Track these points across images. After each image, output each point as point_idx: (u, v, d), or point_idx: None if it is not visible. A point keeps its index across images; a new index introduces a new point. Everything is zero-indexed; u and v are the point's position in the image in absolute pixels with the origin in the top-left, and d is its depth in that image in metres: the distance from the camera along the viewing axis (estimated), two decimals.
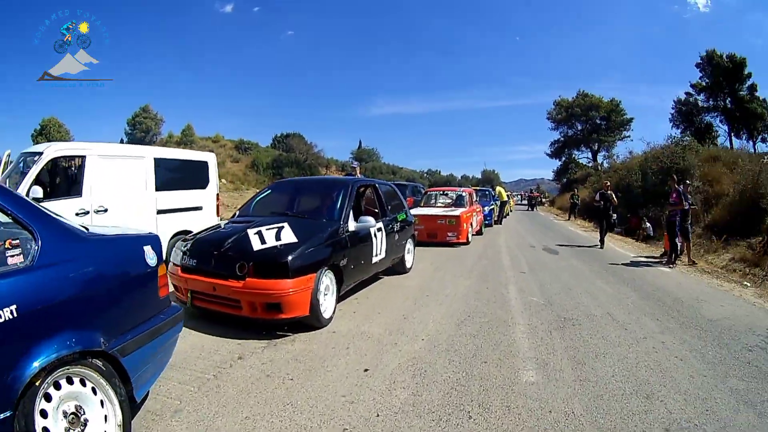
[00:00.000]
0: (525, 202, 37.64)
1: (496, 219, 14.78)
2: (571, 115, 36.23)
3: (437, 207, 10.33)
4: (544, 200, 40.59)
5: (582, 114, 35.38)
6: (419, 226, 8.43)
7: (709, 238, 10.53)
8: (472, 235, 10.14)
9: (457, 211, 9.47)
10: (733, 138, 24.01)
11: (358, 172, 8.92)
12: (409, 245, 6.12)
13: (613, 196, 10.01)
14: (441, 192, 11.44)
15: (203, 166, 6.25)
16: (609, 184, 11.26)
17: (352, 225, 4.19)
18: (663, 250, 9.10)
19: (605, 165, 28.86)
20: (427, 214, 9.49)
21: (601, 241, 9.88)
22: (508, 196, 23.36)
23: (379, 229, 4.77)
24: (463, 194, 10.66)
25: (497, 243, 10.15)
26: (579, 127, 36.67)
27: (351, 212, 4.34)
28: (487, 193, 15.48)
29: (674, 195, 7.92)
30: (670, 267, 7.46)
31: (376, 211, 5.26)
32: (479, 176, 46.73)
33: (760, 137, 22.35)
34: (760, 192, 9.90)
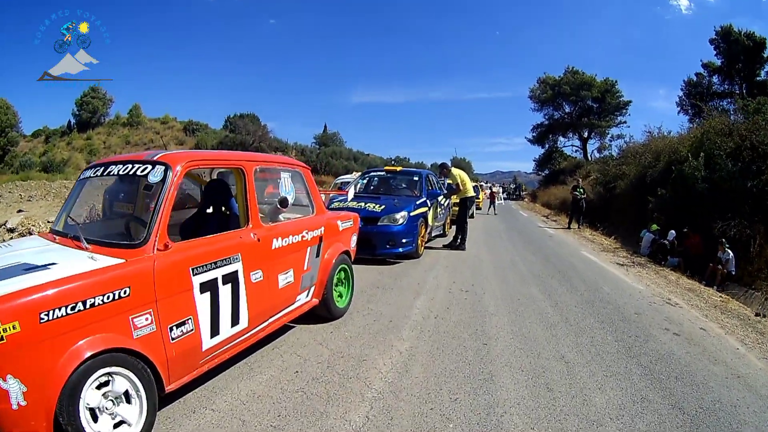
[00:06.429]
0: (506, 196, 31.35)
1: (433, 235, 7.44)
2: (559, 94, 30.73)
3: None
4: (523, 194, 35.31)
5: (571, 93, 29.88)
6: None
7: None
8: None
9: None
10: None
11: None
12: None
13: None
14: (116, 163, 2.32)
15: None
16: None
17: None
18: None
19: (613, 150, 23.10)
20: None
21: None
22: (476, 188, 15.23)
23: None
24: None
25: None
26: (567, 110, 31.28)
27: None
28: (415, 180, 7.13)
29: None
30: None
31: None
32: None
33: None
34: None
